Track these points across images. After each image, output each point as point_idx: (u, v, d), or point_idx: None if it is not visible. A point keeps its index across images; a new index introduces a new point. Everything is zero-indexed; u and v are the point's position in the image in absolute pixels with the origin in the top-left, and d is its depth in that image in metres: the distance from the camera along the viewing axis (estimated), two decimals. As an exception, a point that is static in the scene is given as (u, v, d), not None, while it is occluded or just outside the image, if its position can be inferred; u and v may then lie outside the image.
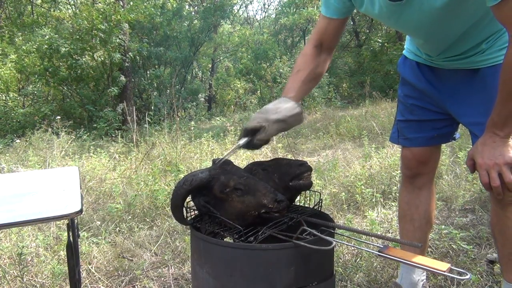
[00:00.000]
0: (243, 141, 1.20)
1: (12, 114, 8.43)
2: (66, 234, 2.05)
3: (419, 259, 0.96)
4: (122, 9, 8.74)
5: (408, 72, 1.50)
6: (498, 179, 1.14)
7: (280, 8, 17.48)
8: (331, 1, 1.31)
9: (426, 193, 1.58)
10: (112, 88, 8.49)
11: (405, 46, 1.55)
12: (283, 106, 1.22)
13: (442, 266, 0.93)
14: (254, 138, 1.19)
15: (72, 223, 1.31)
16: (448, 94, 1.38)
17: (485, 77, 1.27)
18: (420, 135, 1.51)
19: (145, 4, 9.33)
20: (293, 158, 1.55)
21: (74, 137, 5.70)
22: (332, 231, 1.18)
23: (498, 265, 1.75)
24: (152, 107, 7.87)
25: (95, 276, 2.03)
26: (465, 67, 1.31)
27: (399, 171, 2.91)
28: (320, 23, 1.39)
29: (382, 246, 1.04)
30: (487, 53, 1.25)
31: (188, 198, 1.18)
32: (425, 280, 1.66)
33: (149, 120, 6.80)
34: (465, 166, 1.62)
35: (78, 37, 8.20)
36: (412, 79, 1.49)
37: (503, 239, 1.33)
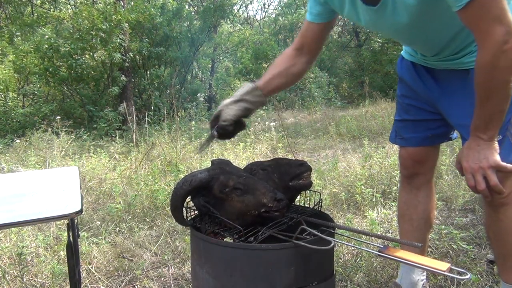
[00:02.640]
0: (212, 131, 1.25)
1: (12, 114, 8.42)
2: (66, 234, 2.05)
3: (419, 259, 0.96)
4: (123, 9, 8.73)
5: (404, 72, 1.51)
6: (484, 183, 1.15)
7: (280, 8, 17.50)
8: (313, 6, 1.32)
9: (425, 193, 1.58)
10: (113, 88, 8.48)
11: (403, 47, 1.56)
12: (240, 90, 1.29)
13: (442, 266, 0.93)
14: (217, 124, 1.24)
15: (72, 223, 1.31)
16: (440, 94, 1.38)
17: (468, 79, 1.27)
18: (415, 135, 1.52)
19: (145, 4, 9.31)
20: (293, 158, 1.55)
21: (74, 137, 5.70)
22: (332, 231, 1.18)
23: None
24: (152, 107, 7.86)
25: (95, 276, 2.03)
26: (457, 68, 1.32)
27: (399, 171, 2.91)
28: (303, 28, 1.41)
29: (382, 246, 1.04)
30: (475, 54, 1.23)
31: (188, 198, 1.18)
32: (425, 280, 1.66)
33: (149, 120, 6.81)
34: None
35: (78, 37, 8.20)
36: (408, 79, 1.50)
37: (497, 240, 1.34)
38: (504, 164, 1.14)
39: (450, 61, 1.31)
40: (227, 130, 1.24)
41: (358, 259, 2.03)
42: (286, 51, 1.41)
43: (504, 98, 1.07)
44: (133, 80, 9.59)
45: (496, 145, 1.14)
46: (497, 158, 1.13)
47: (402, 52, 1.55)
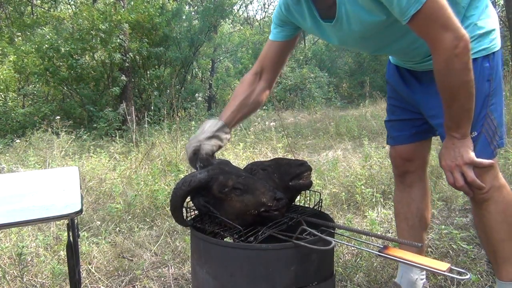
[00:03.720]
0: (200, 171, 1.22)
1: (12, 114, 8.41)
2: (66, 234, 2.05)
3: (419, 259, 0.96)
4: (123, 9, 8.73)
5: (390, 75, 1.56)
6: (462, 179, 1.20)
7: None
8: (276, 23, 1.37)
9: (418, 191, 1.60)
10: (113, 88, 8.48)
11: None
12: (207, 125, 1.31)
13: (442, 266, 0.93)
14: (199, 157, 1.26)
15: (72, 223, 1.31)
16: (420, 95, 1.42)
17: None
18: (401, 133, 1.56)
19: (145, 4, 9.30)
20: (293, 158, 1.55)
21: (74, 137, 5.70)
22: (332, 231, 1.18)
23: None
24: (152, 107, 7.86)
25: (95, 276, 2.03)
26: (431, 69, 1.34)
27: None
28: (263, 50, 1.44)
29: (382, 246, 1.04)
30: None
31: (188, 198, 1.18)
32: (425, 280, 1.66)
33: (149, 120, 6.81)
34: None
35: (78, 37, 8.20)
36: (393, 81, 1.54)
37: (485, 238, 1.36)
38: (478, 160, 1.19)
39: (425, 62, 1.34)
40: (209, 162, 1.25)
41: (358, 259, 2.03)
42: (245, 78, 1.44)
43: (467, 97, 1.12)
44: (133, 80, 9.59)
45: (470, 142, 1.19)
46: (472, 154, 1.18)
47: (389, 56, 1.58)
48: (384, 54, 1.50)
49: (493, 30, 1.26)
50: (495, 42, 1.26)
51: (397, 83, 1.51)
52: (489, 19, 1.26)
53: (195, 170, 1.25)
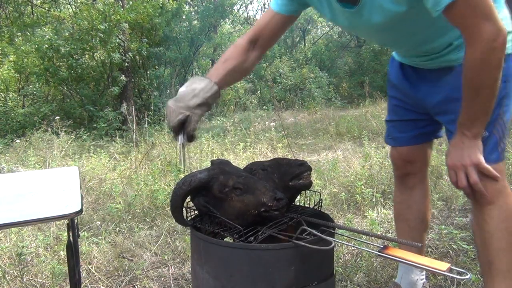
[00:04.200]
0: (181, 139, 1.17)
1: (12, 114, 8.41)
2: (66, 234, 2.05)
3: (419, 259, 0.96)
4: (122, 9, 8.73)
5: (393, 72, 1.52)
6: (465, 180, 1.16)
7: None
8: None
9: (419, 192, 1.58)
10: (113, 88, 8.48)
11: None
12: (199, 87, 1.18)
13: (442, 266, 0.93)
14: (185, 131, 1.16)
15: (72, 223, 1.31)
16: (426, 93, 1.38)
17: (458, 75, 1.24)
18: (403, 134, 1.53)
19: (144, 4, 9.30)
20: (293, 158, 1.55)
21: (74, 137, 5.70)
22: (332, 231, 1.18)
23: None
24: (152, 107, 7.86)
25: (95, 276, 2.03)
26: (442, 66, 1.31)
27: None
28: (262, 18, 1.35)
29: (382, 246, 1.04)
30: (460, 49, 1.23)
31: (188, 198, 1.18)
32: (425, 280, 1.66)
33: (149, 120, 6.80)
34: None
35: (78, 37, 8.20)
36: (395, 79, 1.50)
37: (482, 246, 1.27)
38: (485, 165, 1.15)
39: (435, 59, 1.30)
40: (194, 137, 1.19)
41: (358, 259, 2.03)
42: (239, 43, 1.33)
43: (491, 96, 1.07)
44: (133, 80, 9.59)
45: (480, 143, 1.14)
46: (480, 157, 1.14)
47: (393, 53, 1.54)
48: (392, 48, 1.43)
49: (510, 32, 1.19)
50: (511, 45, 1.21)
51: (400, 81, 1.47)
52: (506, 20, 1.21)
53: (174, 137, 1.18)
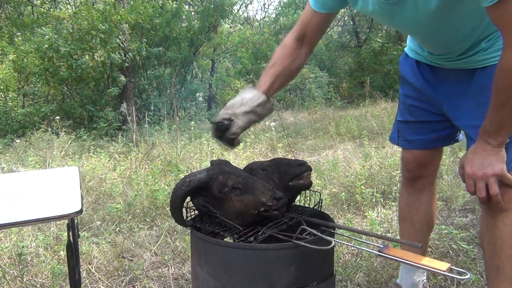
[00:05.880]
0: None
1: (12, 114, 8.42)
2: (66, 234, 2.05)
3: (419, 259, 0.96)
4: (122, 10, 8.73)
5: (408, 70, 1.46)
6: (484, 190, 1.11)
7: (280, 8, 17.49)
8: None
9: (427, 195, 1.55)
10: (113, 88, 8.48)
11: (407, 44, 1.51)
12: (247, 97, 1.21)
13: (442, 266, 0.92)
14: (226, 134, 1.19)
15: (72, 223, 1.31)
16: (445, 94, 1.34)
17: (479, 78, 1.23)
18: (420, 137, 1.47)
19: (144, 4, 9.30)
20: (293, 158, 1.54)
21: (74, 137, 5.70)
22: (332, 231, 1.18)
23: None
24: (152, 107, 7.86)
25: (95, 276, 2.03)
26: (464, 67, 1.27)
27: (399, 171, 2.91)
28: (305, 15, 1.33)
29: (382, 246, 1.04)
30: (486, 52, 1.21)
31: (188, 199, 1.18)
32: (425, 281, 1.66)
33: (149, 120, 6.81)
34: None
35: (78, 37, 8.20)
36: (411, 78, 1.44)
37: (491, 250, 1.24)
38: (509, 176, 1.10)
39: (459, 60, 1.26)
40: (234, 141, 1.20)
41: (358, 259, 2.03)
42: (286, 43, 1.33)
43: None
44: (133, 80, 9.59)
45: (504, 153, 1.09)
46: (503, 167, 1.09)
47: (406, 49, 1.49)
48: (430, 44, 1.33)
49: None
50: None
51: (416, 79, 1.41)
52: None
53: (217, 141, 1.21)
